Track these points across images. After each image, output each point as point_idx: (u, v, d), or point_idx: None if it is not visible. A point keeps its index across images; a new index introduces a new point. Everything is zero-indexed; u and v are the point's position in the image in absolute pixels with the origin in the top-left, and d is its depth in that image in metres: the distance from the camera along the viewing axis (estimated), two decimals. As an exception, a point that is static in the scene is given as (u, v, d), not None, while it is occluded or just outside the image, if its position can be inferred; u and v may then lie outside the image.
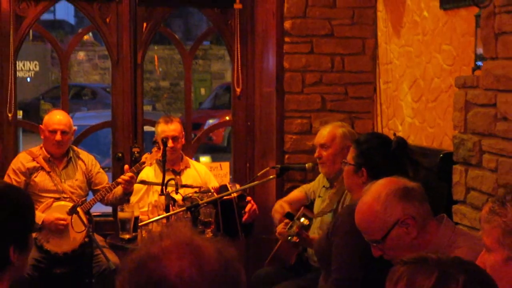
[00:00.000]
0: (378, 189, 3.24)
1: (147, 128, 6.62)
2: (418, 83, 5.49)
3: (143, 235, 5.08)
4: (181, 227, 1.80)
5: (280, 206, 5.24)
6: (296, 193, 5.46)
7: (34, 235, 4.47)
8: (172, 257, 1.67)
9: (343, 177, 4.58)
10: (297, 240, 4.69)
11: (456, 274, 1.96)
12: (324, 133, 5.07)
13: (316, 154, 5.14)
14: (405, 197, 3.16)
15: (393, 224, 3.13)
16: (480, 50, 4.29)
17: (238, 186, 5.57)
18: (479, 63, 4.28)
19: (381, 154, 4.04)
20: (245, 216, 5.43)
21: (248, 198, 5.56)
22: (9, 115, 6.13)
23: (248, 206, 5.48)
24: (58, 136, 5.62)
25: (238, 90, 6.59)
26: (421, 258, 2.10)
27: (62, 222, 5.44)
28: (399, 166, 3.89)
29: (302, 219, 4.81)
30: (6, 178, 5.58)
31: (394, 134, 5.05)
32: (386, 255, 3.18)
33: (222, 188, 5.43)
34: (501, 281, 2.44)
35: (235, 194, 5.38)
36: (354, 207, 3.66)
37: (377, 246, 3.17)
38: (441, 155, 4.60)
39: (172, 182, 5.35)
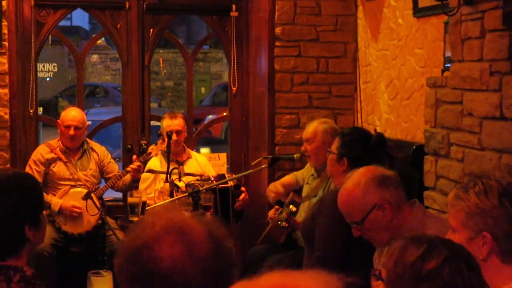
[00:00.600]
0: (359, 176, 3.24)
1: (153, 123, 6.62)
2: (393, 83, 5.49)
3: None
4: (171, 212, 1.76)
5: (274, 186, 5.29)
6: (288, 178, 5.48)
7: (46, 216, 4.43)
8: (163, 246, 1.62)
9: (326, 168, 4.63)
10: (286, 225, 4.72)
11: (441, 248, 2.01)
12: (309, 129, 5.08)
13: (302, 148, 5.16)
14: (382, 184, 3.17)
15: (371, 208, 3.13)
16: (448, 54, 4.30)
17: (233, 175, 5.60)
18: (448, 65, 4.28)
19: (362, 147, 4.07)
20: (238, 204, 5.44)
21: (243, 188, 5.57)
22: (31, 111, 6.14)
23: (242, 195, 5.49)
24: (71, 131, 5.61)
25: (234, 89, 6.59)
26: (416, 235, 2.15)
27: (77, 209, 5.44)
28: (377, 158, 3.91)
29: (291, 206, 4.84)
30: (27, 168, 5.58)
31: (375, 130, 5.09)
32: (365, 235, 3.20)
33: (221, 177, 5.44)
34: None
35: (232, 183, 5.39)
36: (336, 193, 3.68)
37: (357, 227, 3.18)
38: (414, 147, 4.59)
39: (176, 171, 5.35)
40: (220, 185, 5.22)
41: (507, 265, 2.38)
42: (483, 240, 2.38)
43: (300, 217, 4.83)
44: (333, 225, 3.84)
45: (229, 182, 5.35)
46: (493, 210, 2.37)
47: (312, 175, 5.13)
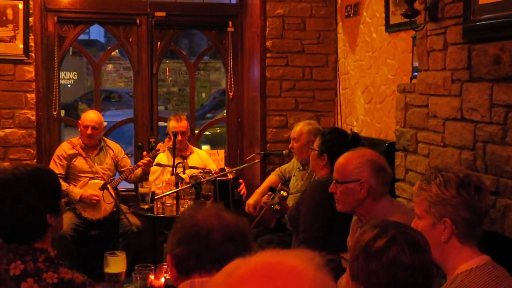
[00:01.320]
0: (367, 152, 3.31)
1: (160, 123, 6.61)
2: (368, 89, 5.49)
3: (158, 205, 5.13)
4: (212, 207, 2.03)
5: (254, 201, 5.26)
6: (270, 179, 5.47)
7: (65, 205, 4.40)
8: (205, 222, 1.89)
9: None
10: (278, 208, 4.73)
11: (390, 229, 2.03)
12: (296, 129, 5.09)
13: (290, 145, 5.19)
14: (375, 171, 3.18)
15: (354, 179, 3.17)
16: (416, 64, 4.30)
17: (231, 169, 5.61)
18: (415, 73, 4.28)
19: (340, 144, 4.08)
20: (241, 191, 5.46)
21: (241, 180, 5.59)
22: (54, 113, 6.14)
23: (241, 186, 5.51)
24: (89, 130, 5.61)
25: (231, 94, 6.58)
26: (376, 221, 2.18)
27: (95, 197, 5.46)
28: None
29: (282, 192, 4.87)
30: (51, 162, 5.58)
31: (351, 130, 5.10)
32: (336, 194, 3.24)
33: (221, 170, 5.46)
34: (430, 242, 2.51)
35: (230, 176, 5.40)
36: (316, 184, 3.72)
37: (336, 184, 3.23)
38: (387, 144, 4.57)
39: (181, 165, 5.38)
40: (220, 178, 5.24)
41: (466, 246, 2.39)
42: (444, 225, 2.39)
43: (290, 203, 4.86)
44: (314, 211, 3.89)
45: (228, 174, 5.37)
46: (452, 199, 2.38)
47: (298, 168, 5.13)
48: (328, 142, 4.16)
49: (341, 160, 3.30)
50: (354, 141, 4.17)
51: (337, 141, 4.17)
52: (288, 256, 1.02)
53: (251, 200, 5.29)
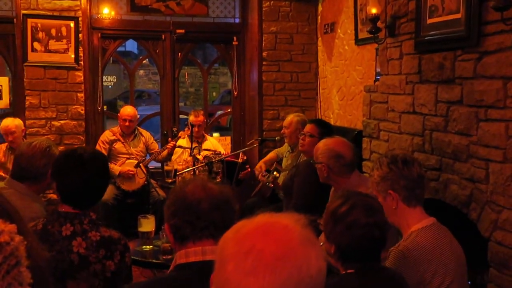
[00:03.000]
0: (330, 141, 3.36)
1: (181, 116, 6.61)
2: (342, 89, 5.50)
3: (179, 180, 5.14)
4: (198, 179, 1.95)
5: (259, 165, 5.25)
6: (271, 155, 5.46)
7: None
8: (193, 194, 1.80)
9: (298, 146, 4.67)
10: (272, 186, 4.76)
11: (350, 198, 2.04)
12: (287, 119, 5.09)
13: (282, 131, 5.20)
14: (333, 157, 3.23)
15: (319, 161, 3.28)
16: (378, 70, 4.30)
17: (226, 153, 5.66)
18: (378, 77, 4.28)
19: (330, 133, 4.13)
20: (242, 175, 5.46)
21: (247, 166, 5.58)
22: (99, 108, 6.13)
23: (246, 171, 5.51)
24: (127, 123, 5.61)
25: (235, 93, 6.57)
26: (343, 192, 2.19)
27: (131, 172, 5.48)
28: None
29: (275, 173, 4.88)
30: (97, 146, 5.58)
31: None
32: (318, 169, 3.32)
33: (235, 154, 5.49)
34: (387, 212, 2.53)
35: (241, 160, 5.40)
36: (308, 162, 3.74)
37: (318, 164, 3.32)
38: (356, 132, 4.60)
39: (197, 148, 5.39)
40: (229, 159, 5.25)
41: (413, 208, 2.42)
42: (391, 196, 2.43)
43: (281, 180, 4.87)
44: (305, 183, 3.91)
45: (240, 158, 5.39)
46: (387, 174, 2.43)
47: (288, 150, 5.14)
48: (324, 131, 4.19)
49: (324, 141, 3.37)
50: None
51: (330, 131, 4.23)
52: (281, 217, 1.05)
53: (258, 166, 5.30)
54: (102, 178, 2.36)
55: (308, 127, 4.33)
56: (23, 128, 5.34)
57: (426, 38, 3.27)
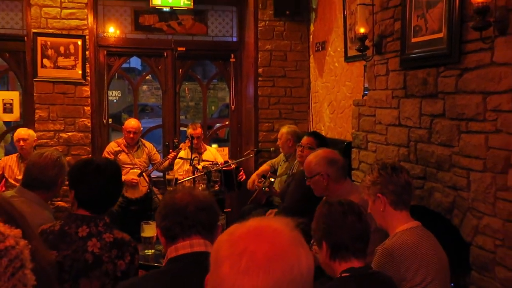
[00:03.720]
0: (319, 152, 3.31)
1: (182, 128, 6.61)
2: (332, 103, 5.51)
3: (178, 188, 5.13)
4: (186, 188, 2.04)
5: (253, 180, 5.21)
6: (264, 167, 5.44)
7: None
8: (182, 199, 1.87)
9: (293, 155, 4.70)
10: (267, 190, 4.75)
11: (336, 206, 2.09)
12: (281, 131, 5.12)
13: (277, 143, 5.23)
14: (329, 163, 3.19)
15: (316, 173, 3.20)
16: (366, 85, 4.31)
17: (233, 161, 5.63)
18: (366, 92, 4.29)
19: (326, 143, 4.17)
20: (239, 176, 5.46)
21: (241, 168, 5.59)
22: (104, 121, 6.12)
23: (241, 173, 5.52)
24: (131, 134, 5.60)
25: (233, 107, 6.58)
26: (330, 201, 2.21)
27: (134, 180, 5.47)
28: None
29: (271, 179, 4.89)
30: (103, 156, 5.59)
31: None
32: (312, 185, 3.26)
33: (226, 162, 5.47)
34: (375, 214, 2.54)
35: (233, 166, 5.40)
36: (303, 171, 3.75)
37: (307, 179, 3.26)
38: (345, 143, 4.60)
39: (196, 158, 5.39)
40: (225, 168, 5.25)
41: (399, 211, 2.44)
42: (379, 199, 2.45)
43: (276, 186, 4.88)
44: (297, 189, 3.90)
45: (232, 165, 5.38)
46: (377, 179, 2.46)
47: (283, 160, 5.16)
48: (321, 143, 4.20)
49: (306, 161, 3.32)
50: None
51: (326, 143, 4.23)
52: (271, 221, 1.07)
53: (250, 180, 5.29)
54: (116, 184, 2.42)
55: (307, 140, 4.33)
56: (35, 138, 5.35)
57: (410, 55, 3.29)
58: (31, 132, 5.29)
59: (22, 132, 5.22)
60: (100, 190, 2.31)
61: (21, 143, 5.15)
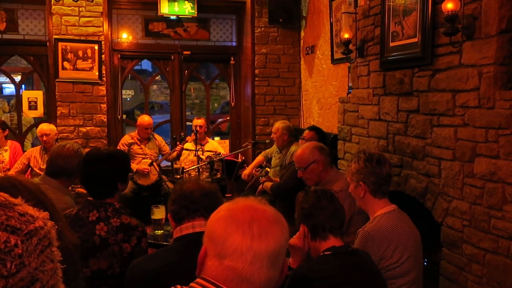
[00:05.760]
0: (307, 145, 3.29)
1: (188, 123, 6.60)
2: (321, 101, 5.51)
3: (186, 176, 5.14)
4: (193, 178, 2.06)
5: (249, 172, 5.20)
6: (258, 158, 5.42)
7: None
8: (189, 187, 1.90)
9: (286, 147, 4.71)
10: (263, 180, 4.76)
11: (312, 193, 2.09)
12: (275, 126, 5.09)
13: (271, 136, 5.21)
14: (320, 150, 3.17)
15: (312, 161, 3.14)
16: (350, 84, 4.33)
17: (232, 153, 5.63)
18: (350, 90, 4.31)
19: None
20: (240, 172, 5.45)
21: (245, 165, 5.56)
22: (119, 117, 6.12)
23: (243, 169, 5.51)
24: (148, 130, 5.59)
25: (233, 104, 6.57)
26: (311, 188, 2.20)
27: (145, 170, 5.47)
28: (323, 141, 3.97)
29: (266, 168, 4.89)
30: (118, 147, 5.57)
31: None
32: (304, 176, 3.19)
33: (235, 155, 5.48)
34: (356, 197, 2.54)
35: (240, 159, 5.38)
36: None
37: (301, 171, 3.19)
38: (332, 136, 4.59)
39: (200, 150, 5.39)
40: (230, 158, 5.25)
41: (377, 199, 2.43)
42: (361, 187, 2.44)
43: (271, 175, 4.88)
44: (292, 173, 3.92)
45: (239, 158, 5.38)
46: (362, 169, 2.44)
47: (277, 151, 5.14)
48: (321, 138, 4.23)
49: (297, 155, 3.24)
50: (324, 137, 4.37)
51: (324, 137, 4.30)
52: (250, 200, 1.13)
53: (246, 171, 5.30)
54: (110, 174, 2.30)
55: (310, 134, 4.33)
56: (56, 132, 5.34)
57: (389, 58, 3.29)
58: (52, 126, 5.27)
59: (44, 127, 5.19)
60: (94, 178, 2.27)
61: (44, 138, 5.14)
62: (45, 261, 0.71)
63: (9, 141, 5.40)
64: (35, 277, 0.69)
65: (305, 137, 4.31)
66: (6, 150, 5.28)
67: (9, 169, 5.17)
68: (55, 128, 5.33)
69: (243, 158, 5.53)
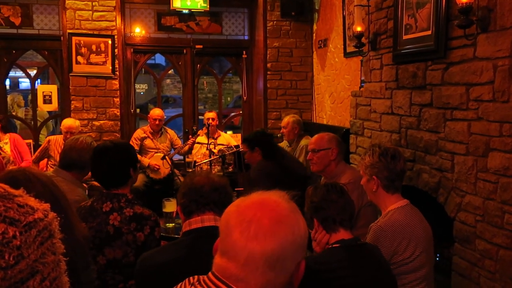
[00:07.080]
0: (330, 134, 3.32)
1: (200, 117, 6.62)
2: (333, 95, 5.49)
3: (198, 169, 5.15)
4: (204, 172, 2.02)
5: None
6: None
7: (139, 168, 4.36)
8: (199, 181, 1.88)
9: (296, 140, 4.67)
10: None
11: (322, 187, 2.09)
12: (285, 120, 5.10)
13: (281, 131, 5.21)
14: (338, 142, 3.22)
15: (326, 147, 3.18)
16: (363, 78, 4.31)
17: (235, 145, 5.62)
18: (363, 84, 4.29)
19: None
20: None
21: None
22: (132, 110, 6.14)
23: None
24: (157, 122, 5.63)
25: (245, 98, 6.57)
26: (319, 184, 2.19)
27: (156, 166, 5.48)
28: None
29: None
30: (130, 141, 5.58)
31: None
32: (312, 160, 3.21)
33: (237, 146, 5.46)
34: (368, 191, 2.51)
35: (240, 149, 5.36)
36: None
37: (312, 153, 3.22)
38: (344, 130, 4.59)
39: (212, 143, 5.40)
40: (239, 150, 5.24)
41: (390, 194, 2.40)
42: (374, 181, 2.41)
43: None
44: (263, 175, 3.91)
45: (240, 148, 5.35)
46: (376, 163, 2.40)
47: (287, 145, 5.14)
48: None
49: (316, 137, 3.29)
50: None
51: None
52: (270, 194, 1.08)
53: None
54: (116, 166, 2.32)
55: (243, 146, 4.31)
56: (80, 129, 5.33)
57: (402, 51, 3.25)
58: (78, 123, 5.22)
59: (71, 124, 5.09)
60: (102, 170, 2.31)
61: (68, 135, 5.14)
62: (46, 253, 0.70)
63: (8, 134, 5.30)
64: (35, 269, 0.68)
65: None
66: (6, 143, 5.26)
67: (13, 162, 5.15)
68: (79, 124, 5.30)
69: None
